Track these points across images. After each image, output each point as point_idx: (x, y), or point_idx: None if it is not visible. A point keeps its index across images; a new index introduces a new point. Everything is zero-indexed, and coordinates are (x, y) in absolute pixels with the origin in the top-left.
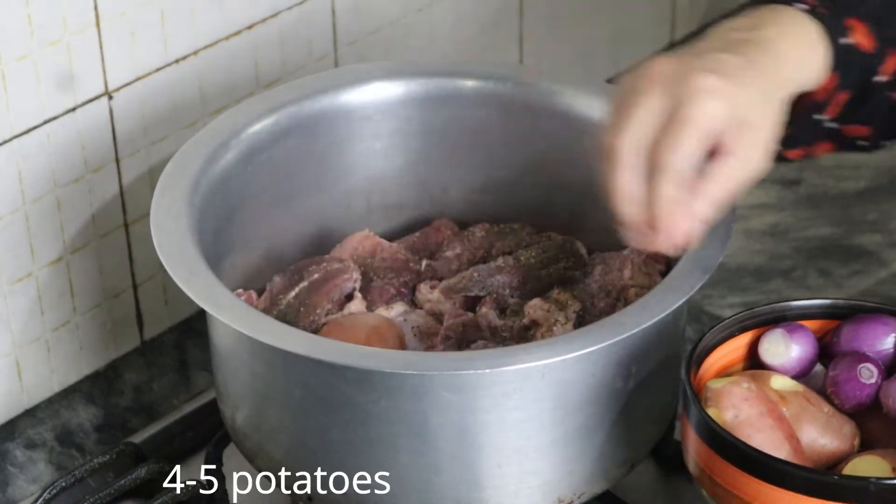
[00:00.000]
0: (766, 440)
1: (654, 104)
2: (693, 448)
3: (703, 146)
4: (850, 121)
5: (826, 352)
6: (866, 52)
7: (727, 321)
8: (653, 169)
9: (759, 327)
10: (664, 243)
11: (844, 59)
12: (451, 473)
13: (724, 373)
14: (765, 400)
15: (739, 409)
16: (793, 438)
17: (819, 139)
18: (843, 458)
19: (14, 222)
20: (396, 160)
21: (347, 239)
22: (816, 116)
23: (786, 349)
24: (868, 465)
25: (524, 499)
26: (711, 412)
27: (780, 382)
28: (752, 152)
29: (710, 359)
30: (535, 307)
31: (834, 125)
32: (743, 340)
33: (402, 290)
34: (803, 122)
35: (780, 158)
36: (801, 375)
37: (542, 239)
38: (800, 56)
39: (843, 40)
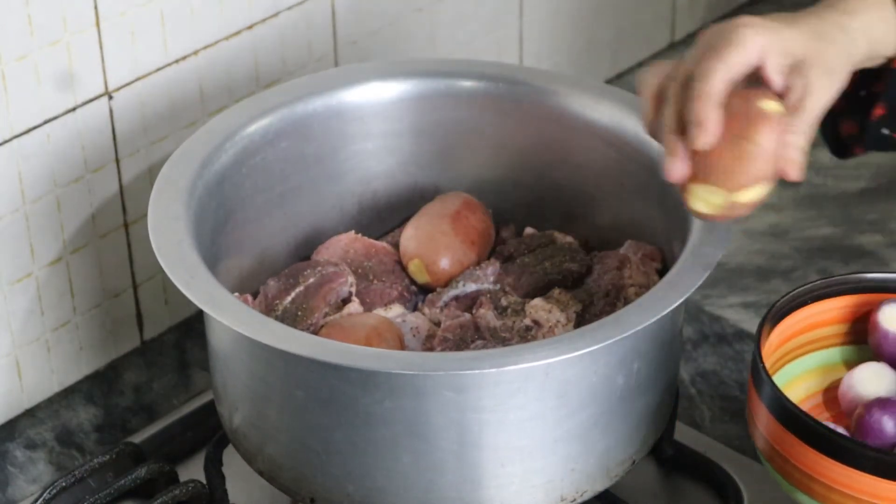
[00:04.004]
0: None
1: (699, 49)
2: (760, 420)
3: (743, 65)
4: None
5: None
6: None
7: (797, 291)
8: (693, 79)
9: (827, 298)
10: (704, 141)
11: None
12: (454, 473)
13: (792, 341)
14: None
15: None
16: None
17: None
18: None
19: (14, 222)
20: (389, 161)
21: (332, 240)
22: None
23: None
24: None
25: (527, 498)
26: None
27: None
28: (816, 84)
29: (779, 328)
30: (536, 307)
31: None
32: (813, 310)
33: (405, 293)
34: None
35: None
36: None
37: (542, 238)
38: (871, 26)
39: None
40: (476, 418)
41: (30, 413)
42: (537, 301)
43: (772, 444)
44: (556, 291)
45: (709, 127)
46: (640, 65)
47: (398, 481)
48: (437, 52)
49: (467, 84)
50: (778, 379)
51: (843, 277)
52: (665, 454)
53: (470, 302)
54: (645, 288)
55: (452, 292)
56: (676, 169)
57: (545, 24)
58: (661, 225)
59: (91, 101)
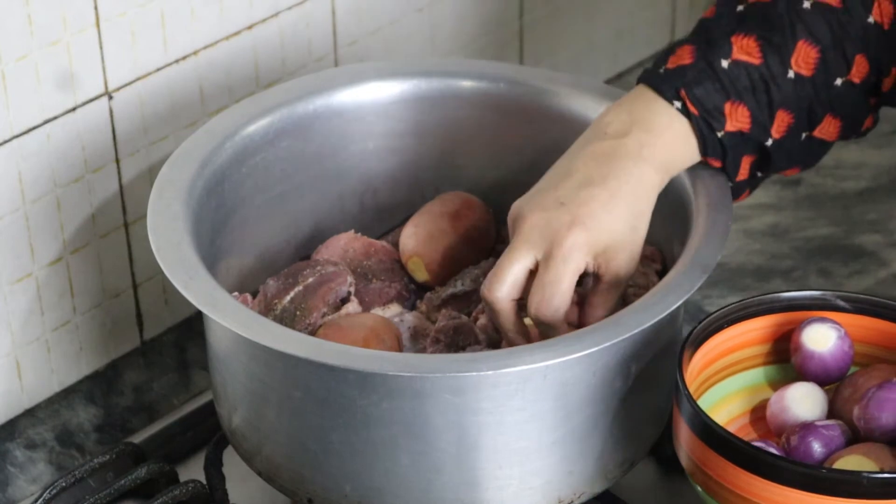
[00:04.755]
0: None
1: (526, 260)
2: (685, 442)
3: (572, 289)
4: (772, 171)
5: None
6: (743, 131)
7: (714, 315)
8: (537, 323)
9: (746, 319)
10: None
11: (728, 144)
12: (452, 474)
13: (714, 364)
14: None
15: None
16: None
17: (748, 188)
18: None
19: (14, 222)
20: (390, 161)
21: (332, 240)
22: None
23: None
24: (855, 464)
25: (525, 499)
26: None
27: None
28: (619, 274)
29: (700, 351)
30: None
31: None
32: (733, 332)
33: (404, 292)
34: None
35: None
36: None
37: None
38: (672, 149)
39: (719, 133)
40: (474, 420)
41: (30, 413)
42: None
43: (699, 465)
44: None
45: None
46: (640, 65)
47: (396, 482)
48: (437, 52)
49: (467, 84)
50: (703, 402)
51: (759, 298)
52: (665, 454)
53: (468, 301)
54: (644, 289)
55: (450, 291)
56: None
57: (545, 24)
58: (661, 226)
59: (91, 101)
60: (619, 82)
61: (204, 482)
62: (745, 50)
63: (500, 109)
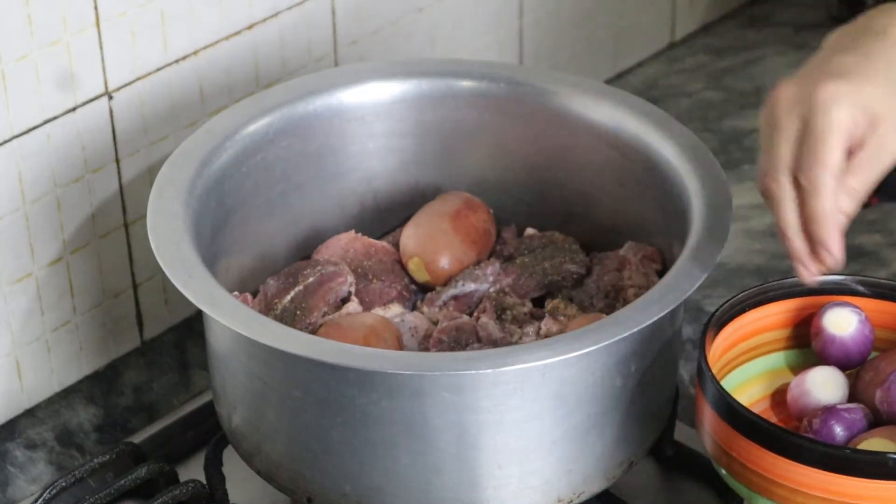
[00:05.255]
0: None
1: (788, 132)
2: (709, 425)
3: (842, 152)
4: None
5: None
6: None
7: (737, 297)
8: (804, 191)
9: (767, 303)
10: (830, 262)
11: None
12: (452, 474)
13: (736, 348)
14: None
15: None
16: None
17: None
18: None
19: (14, 222)
20: (390, 161)
21: (332, 240)
22: None
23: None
24: (878, 447)
25: (524, 499)
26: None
27: None
28: (885, 141)
29: (722, 334)
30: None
31: None
32: (755, 315)
33: (404, 293)
34: None
35: None
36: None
37: (542, 239)
38: None
39: None
40: (474, 419)
41: (30, 413)
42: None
43: (724, 448)
44: (560, 305)
45: (835, 251)
46: (640, 65)
47: (395, 481)
48: (437, 52)
49: (467, 84)
50: (725, 385)
51: (780, 282)
52: (665, 454)
53: (469, 301)
54: (644, 289)
55: (451, 291)
56: (810, 276)
57: (545, 24)
58: (661, 226)
59: (91, 101)
60: (619, 82)
61: (204, 482)
62: None
63: (500, 109)
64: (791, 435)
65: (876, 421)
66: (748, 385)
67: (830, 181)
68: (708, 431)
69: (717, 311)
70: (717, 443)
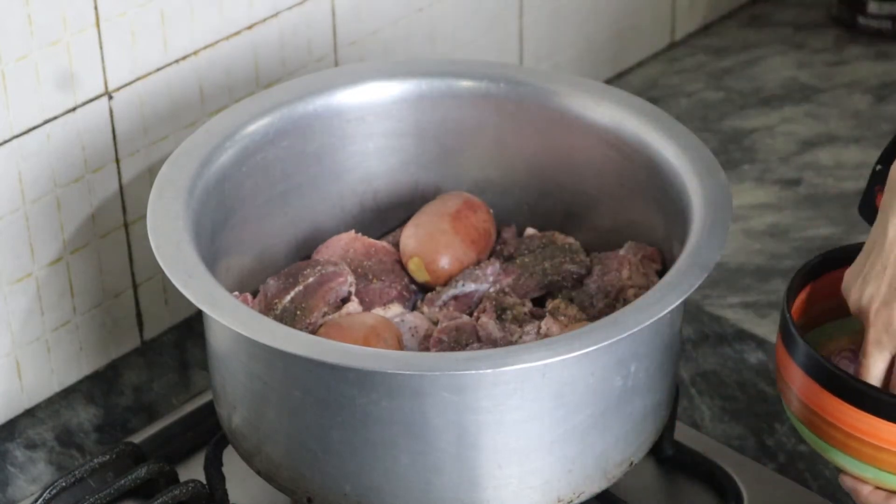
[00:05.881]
0: None
1: (880, 357)
2: (799, 386)
3: None
4: None
5: None
6: None
7: (824, 254)
8: None
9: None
10: None
11: None
12: (452, 474)
13: (818, 305)
14: None
15: None
16: None
17: None
18: None
19: (14, 222)
20: (390, 161)
21: (332, 240)
22: None
23: None
24: None
25: (524, 499)
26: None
27: None
28: None
29: (805, 291)
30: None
31: None
32: (838, 275)
33: (404, 293)
34: None
35: None
36: None
37: (542, 239)
38: None
39: None
40: (473, 419)
41: (30, 413)
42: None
43: (808, 405)
44: (561, 305)
45: None
46: (640, 65)
47: (395, 481)
48: (437, 52)
49: (467, 84)
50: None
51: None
52: (665, 454)
53: (469, 302)
54: (644, 289)
55: (452, 292)
56: None
57: (545, 24)
58: (661, 226)
59: (91, 101)
60: (619, 82)
61: (204, 482)
62: None
63: (500, 109)
64: (877, 391)
65: None
66: (830, 344)
67: None
68: (796, 392)
69: (801, 268)
70: (803, 402)
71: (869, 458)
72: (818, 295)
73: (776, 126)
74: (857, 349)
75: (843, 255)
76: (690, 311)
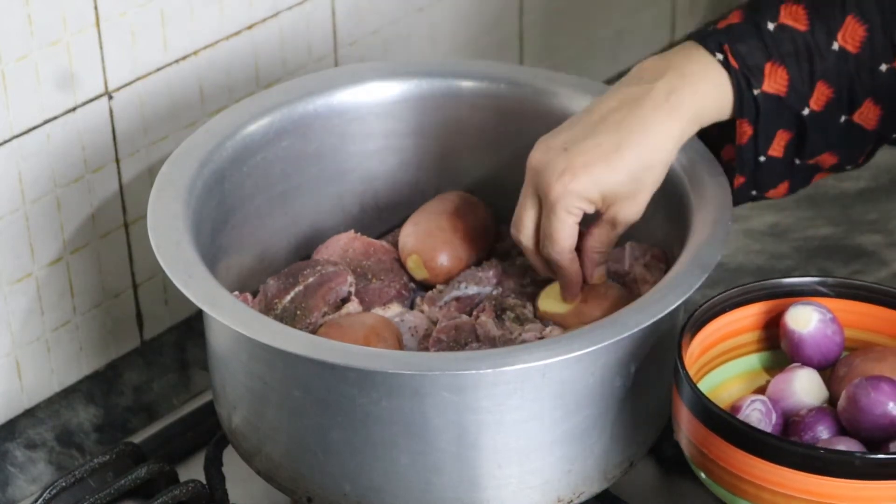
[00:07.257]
0: None
1: (530, 206)
2: (686, 426)
3: (574, 232)
4: (808, 155)
5: None
6: (780, 96)
7: (715, 299)
8: (548, 262)
9: (739, 307)
10: (572, 296)
11: (763, 106)
12: (452, 474)
13: (711, 350)
14: None
15: None
16: None
17: (785, 178)
18: None
19: (14, 222)
20: (390, 161)
21: (332, 240)
22: (762, 158)
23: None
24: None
25: (524, 499)
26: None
27: None
28: (617, 216)
29: (698, 337)
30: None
31: (797, 161)
32: (728, 319)
33: (403, 291)
34: (753, 165)
35: (759, 198)
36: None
37: None
38: (705, 98)
39: (756, 91)
40: (473, 419)
41: (30, 413)
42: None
43: (701, 449)
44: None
45: (573, 289)
46: None
47: (395, 481)
48: (437, 52)
49: (467, 84)
50: (702, 387)
51: (758, 284)
52: (665, 454)
53: (470, 303)
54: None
55: (454, 293)
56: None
57: (545, 24)
58: (661, 226)
59: (91, 101)
60: None
61: (204, 482)
62: (792, 16)
63: (500, 109)
64: (769, 437)
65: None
66: (725, 386)
67: (566, 256)
68: (685, 433)
69: (692, 313)
70: (694, 444)
71: (757, 500)
72: (709, 340)
73: None
74: (765, 397)
75: (735, 300)
76: (690, 310)
